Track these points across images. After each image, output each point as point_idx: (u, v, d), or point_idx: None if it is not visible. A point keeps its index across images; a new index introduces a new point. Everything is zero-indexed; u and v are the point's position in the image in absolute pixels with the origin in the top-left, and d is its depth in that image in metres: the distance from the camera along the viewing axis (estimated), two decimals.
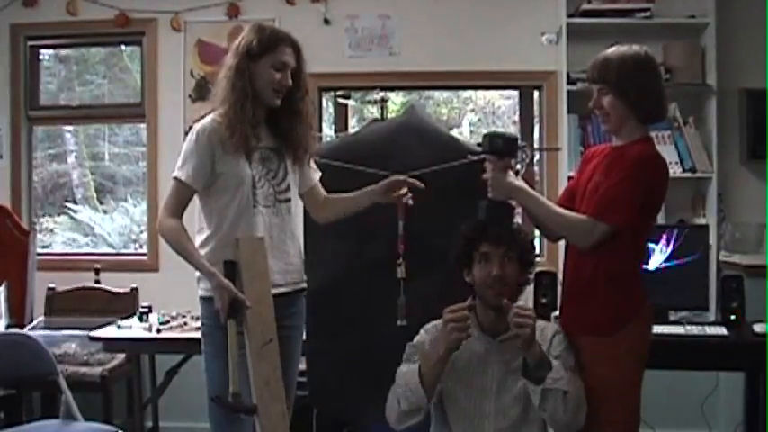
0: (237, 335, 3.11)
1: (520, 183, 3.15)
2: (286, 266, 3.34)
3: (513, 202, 3.19)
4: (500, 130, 5.42)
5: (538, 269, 4.15)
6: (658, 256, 4.30)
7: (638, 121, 3.11)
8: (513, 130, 6.25)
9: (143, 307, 4.92)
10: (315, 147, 3.53)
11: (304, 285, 3.50)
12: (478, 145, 3.32)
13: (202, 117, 3.36)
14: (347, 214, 3.52)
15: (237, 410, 3.16)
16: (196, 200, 3.33)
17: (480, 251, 3.09)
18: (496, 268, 3.05)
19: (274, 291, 3.24)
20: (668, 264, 4.31)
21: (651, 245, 4.26)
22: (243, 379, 3.17)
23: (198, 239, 3.30)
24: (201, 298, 3.34)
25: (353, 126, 5.91)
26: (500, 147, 3.14)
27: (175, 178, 3.26)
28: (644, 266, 4.16)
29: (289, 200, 3.39)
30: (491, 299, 3.07)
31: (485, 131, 3.31)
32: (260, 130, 3.32)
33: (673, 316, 4.38)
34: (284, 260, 3.34)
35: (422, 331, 3.24)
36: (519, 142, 3.25)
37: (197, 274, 3.31)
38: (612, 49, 3.15)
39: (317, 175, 3.58)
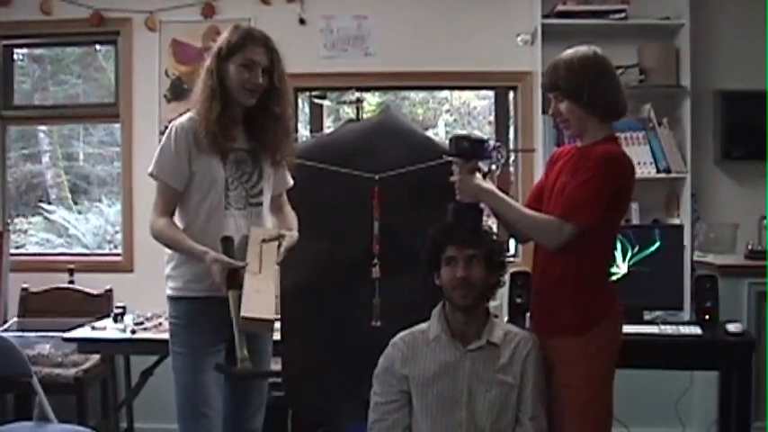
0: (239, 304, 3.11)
1: (487, 185, 3.14)
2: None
3: (482, 204, 3.19)
4: (470, 132, 5.41)
5: (513, 269, 4.17)
6: (633, 256, 4.32)
7: (599, 121, 3.13)
8: (488, 130, 6.26)
9: (117, 308, 4.91)
10: (292, 150, 3.52)
11: None
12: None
13: (180, 116, 3.36)
14: None
15: (246, 377, 3.15)
16: None
17: (446, 254, 3.09)
18: (461, 271, 3.05)
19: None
20: (642, 264, 4.32)
21: (627, 245, 4.31)
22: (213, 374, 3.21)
23: None
24: (169, 297, 3.34)
25: (329, 126, 5.90)
26: (465, 149, 3.13)
27: (155, 177, 3.27)
28: (618, 267, 4.21)
29: (260, 204, 3.37)
30: (458, 301, 3.08)
31: (454, 134, 3.30)
32: (235, 130, 3.30)
33: (647, 316, 4.40)
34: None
35: (389, 346, 3.22)
36: (491, 143, 3.24)
37: (166, 271, 3.33)
38: (561, 55, 3.17)
39: (289, 182, 3.57)
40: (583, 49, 3.15)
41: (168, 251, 3.32)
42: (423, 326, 3.19)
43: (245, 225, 3.29)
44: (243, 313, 3.01)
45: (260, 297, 3.08)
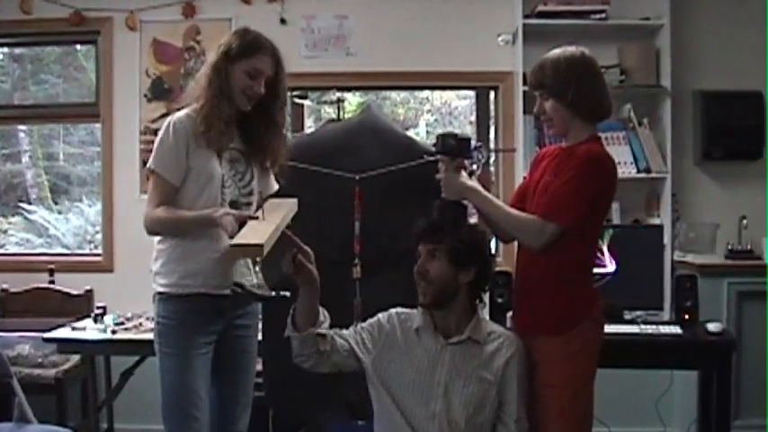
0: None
1: (472, 183, 3.15)
2: (241, 268, 3.32)
3: (466, 202, 3.19)
4: (455, 130, 5.42)
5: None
6: (613, 256, 4.32)
7: (583, 122, 3.13)
8: (469, 130, 6.27)
9: (98, 308, 4.89)
10: (284, 154, 3.50)
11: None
12: (433, 145, 3.32)
13: (164, 115, 3.35)
14: None
15: (262, 299, 3.19)
16: None
17: (417, 250, 3.09)
18: (417, 265, 3.05)
19: (228, 291, 3.23)
20: (623, 264, 4.33)
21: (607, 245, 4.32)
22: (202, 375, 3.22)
23: None
24: (159, 293, 3.30)
25: (310, 126, 5.89)
26: (452, 147, 3.14)
27: (153, 172, 3.25)
28: (599, 267, 4.21)
29: (250, 203, 3.37)
30: (419, 296, 3.07)
31: (440, 131, 3.30)
32: (232, 130, 3.30)
33: (627, 315, 4.40)
34: (240, 262, 3.32)
35: (393, 314, 3.19)
36: (473, 142, 3.24)
37: (155, 268, 3.30)
38: (549, 53, 3.17)
39: (274, 186, 3.56)
40: (570, 49, 3.16)
41: (158, 246, 3.31)
42: (414, 312, 3.18)
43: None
44: (232, 242, 2.92)
45: (254, 233, 2.97)
